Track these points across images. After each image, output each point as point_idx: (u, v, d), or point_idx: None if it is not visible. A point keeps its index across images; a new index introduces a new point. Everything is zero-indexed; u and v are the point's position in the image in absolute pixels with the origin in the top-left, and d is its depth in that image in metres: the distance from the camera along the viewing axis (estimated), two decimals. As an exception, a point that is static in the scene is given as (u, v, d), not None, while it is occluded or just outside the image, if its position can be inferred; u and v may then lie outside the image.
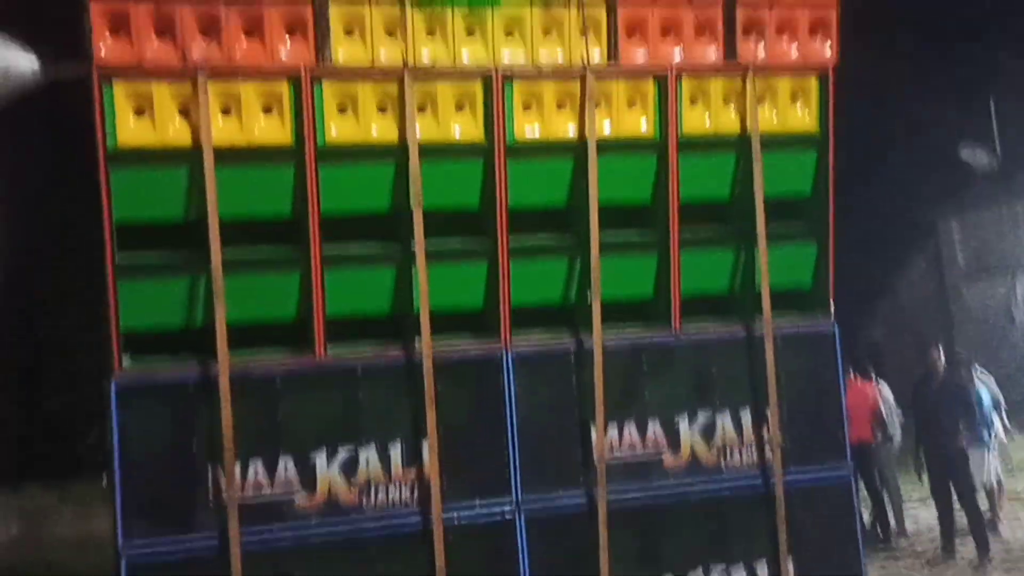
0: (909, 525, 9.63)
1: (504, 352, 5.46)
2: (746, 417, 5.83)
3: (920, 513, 10.03)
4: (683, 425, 5.72)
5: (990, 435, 8.90)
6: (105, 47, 4.83)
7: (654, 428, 5.67)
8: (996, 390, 9.40)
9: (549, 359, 5.56)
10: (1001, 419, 9.31)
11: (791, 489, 5.79)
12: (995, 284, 16.59)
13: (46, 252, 12.45)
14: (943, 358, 9.01)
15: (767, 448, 5.82)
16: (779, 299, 5.89)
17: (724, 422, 5.79)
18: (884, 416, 9.34)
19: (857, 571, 5.88)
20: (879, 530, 9.40)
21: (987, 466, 8.80)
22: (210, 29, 4.97)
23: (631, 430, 5.64)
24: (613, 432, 5.61)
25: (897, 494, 9.70)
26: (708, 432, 5.75)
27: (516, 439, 5.42)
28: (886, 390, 9.65)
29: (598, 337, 5.52)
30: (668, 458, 5.68)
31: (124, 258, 4.97)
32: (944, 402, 8.60)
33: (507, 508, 5.39)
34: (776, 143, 5.88)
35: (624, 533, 5.53)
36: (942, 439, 8.51)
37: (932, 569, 7.96)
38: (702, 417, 5.76)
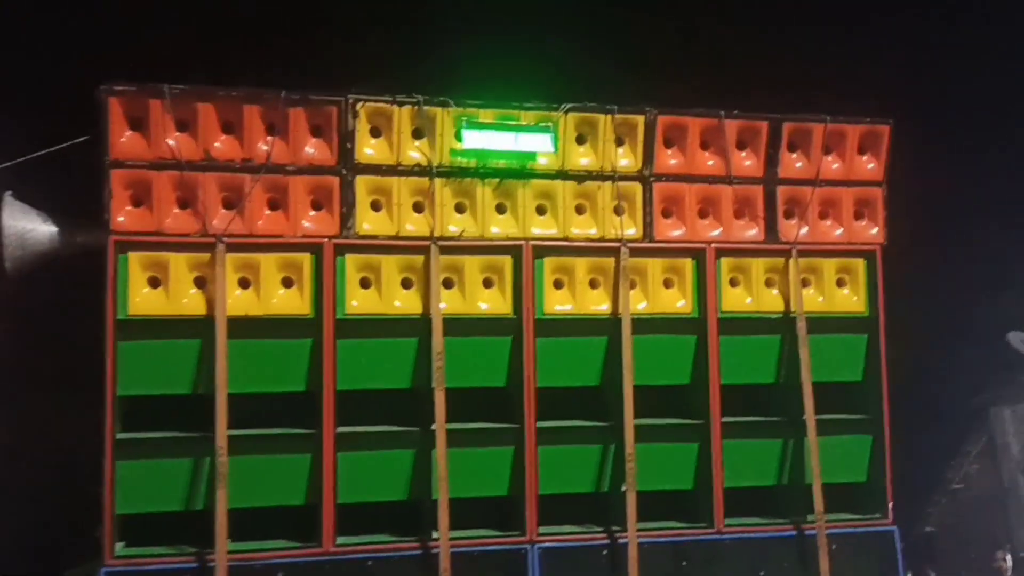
0: None
1: (530, 547, 4.99)
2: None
3: None
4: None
5: None
6: (124, 215, 4.70)
7: (698, 638, 5.10)
8: None
9: (579, 555, 5.06)
10: None
11: (832, 540, 5.23)
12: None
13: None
14: (1010, 562, 8.27)
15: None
16: (832, 495, 5.40)
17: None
18: None
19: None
20: None
21: None
22: (233, 199, 4.84)
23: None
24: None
25: None
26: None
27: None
28: (948, 594, 8.87)
29: (633, 533, 5.05)
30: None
31: (125, 437, 4.67)
32: (1015, 613, 7.82)
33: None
34: (824, 325, 5.55)
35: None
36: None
37: None
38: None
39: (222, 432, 4.61)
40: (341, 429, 4.86)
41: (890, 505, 5.53)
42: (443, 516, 4.83)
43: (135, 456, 4.65)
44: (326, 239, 4.90)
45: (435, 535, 4.84)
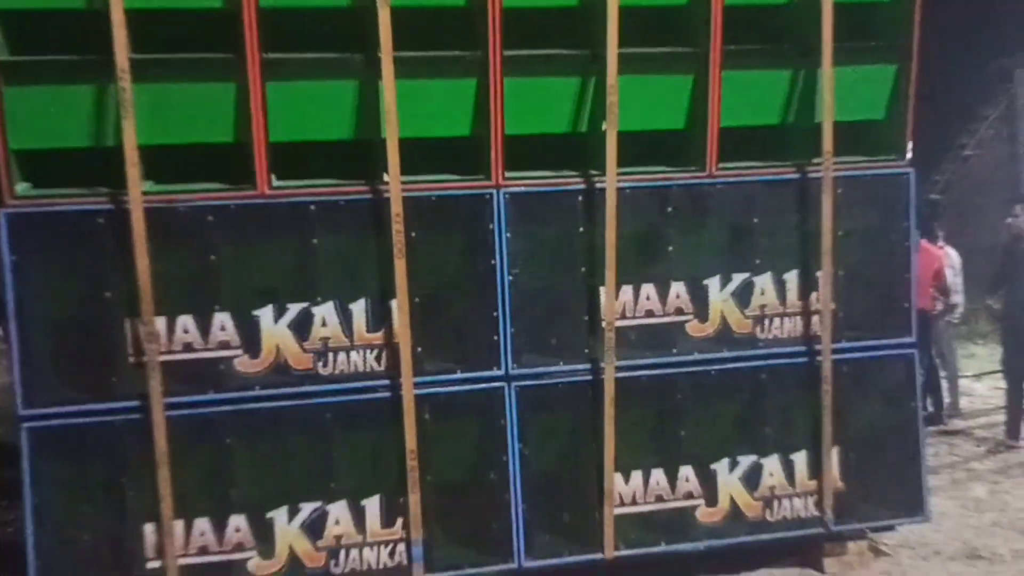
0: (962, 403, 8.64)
1: (496, 192, 4.41)
2: (792, 279, 4.77)
3: (975, 386, 9.08)
4: (713, 288, 4.68)
5: None
6: None
7: (677, 290, 4.64)
8: None
9: (551, 202, 4.50)
10: None
11: (842, 365, 4.78)
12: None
13: None
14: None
15: (815, 316, 4.78)
16: (843, 135, 4.73)
17: (764, 284, 4.74)
18: (949, 282, 8.21)
19: (916, 469, 4.91)
20: (929, 408, 8.42)
21: None
22: None
23: (649, 292, 4.62)
24: (626, 293, 4.59)
25: (953, 369, 8.67)
26: (744, 295, 4.71)
27: (507, 298, 4.44)
28: (953, 254, 8.49)
29: (612, 176, 4.45)
30: (693, 325, 4.67)
31: (13, 60, 3.95)
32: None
33: (495, 380, 4.45)
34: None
35: (635, 414, 4.60)
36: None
37: (994, 456, 6.98)
38: (738, 278, 4.71)
39: (122, 52, 3.88)
40: (269, 56, 4.12)
41: (909, 145, 4.88)
42: (392, 155, 4.21)
43: (27, 82, 3.96)
44: None
45: (386, 178, 4.26)
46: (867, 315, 4.84)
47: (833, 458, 4.80)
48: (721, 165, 4.66)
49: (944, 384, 8.56)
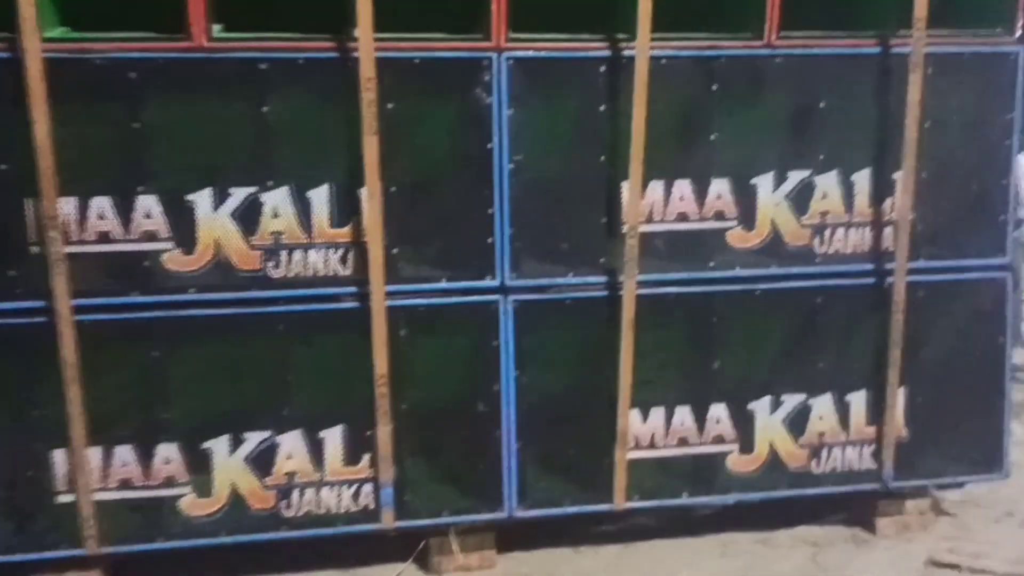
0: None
1: (496, 57, 3.50)
2: (862, 180, 3.85)
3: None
4: (764, 188, 3.77)
5: None
6: None
7: (719, 189, 3.74)
8: None
9: (566, 72, 3.58)
10: None
11: (917, 289, 3.89)
12: None
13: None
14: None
15: (888, 227, 3.87)
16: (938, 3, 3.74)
17: (828, 185, 3.82)
18: (1020, 192, 7.20)
19: (997, 417, 4.04)
20: None
21: None
22: None
23: (683, 190, 3.73)
24: (655, 191, 3.70)
25: (1020, 292, 7.75)
26: (802, 198, 3.80)
27: (506, 191, 3.57)
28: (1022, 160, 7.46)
29: (644, 41, 3.51)
30: (736, 234, 3.78)
31: None
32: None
33: (487, 291, 3.62)
34: None
35: (659, 339, 3.76)
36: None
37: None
38: (795, 177, 3.79)
39: None
40: None
41: (1020, 21, 3.88)
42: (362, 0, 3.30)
43: None
44: None
45: (355, 33, 3.36)
46: (953, 228, 3.92)
47: (899, 401, 3.95)
48: (783, 33, 3.70)
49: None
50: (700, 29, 3.71)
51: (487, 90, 3.51)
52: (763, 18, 3.67)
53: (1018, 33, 3.87)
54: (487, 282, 3.61)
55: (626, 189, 3.62)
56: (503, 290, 3.62)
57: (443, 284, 3.59)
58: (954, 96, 3.83)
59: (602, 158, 3.65)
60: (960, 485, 4.14)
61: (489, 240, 3.59)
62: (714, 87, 3.70)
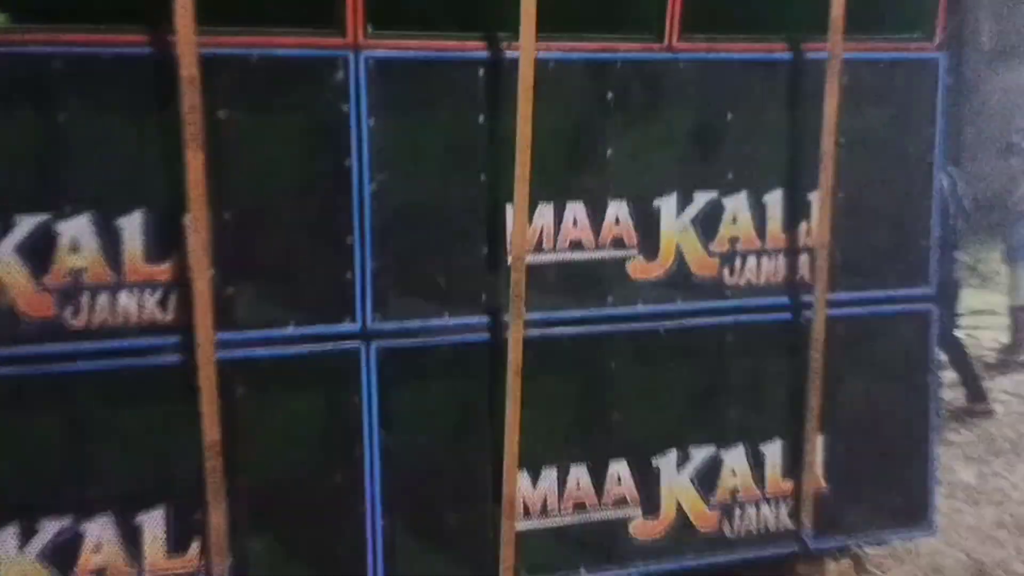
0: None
1: (353, 56, 2.91)
2: (775, 202, 3.41)
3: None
4: (667, 211, 3.29)
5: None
6: None
7: (617, 213, 3.24)
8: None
9: (438, 76, 3.02)
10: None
11: (837, 324, 3.46)
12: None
13: None
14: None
15: (805, 255, 3.44)
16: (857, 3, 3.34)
17: (737, 207, 3.36)
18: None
19: (923, 466, 3.65)
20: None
21: None
22: None
23: (577, 214, 3.20)
24: (544, 215, 3.17)
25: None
26: (709, 223, 3.33)
27: (368, 218, 2.97)
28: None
29: (529, 42, 2.97)
30: (637, 264, 3.28)
31: None
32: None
33: (346, 337, 3.01)
34: None
35: (550, 389, 3.22)
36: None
37: (965, 426, 5.79)
38: (701, 198, 3.32)
39: None
40: None
41: (940, 25, 3.51)
42: (180, -18, 2.66)
43: None
44: None
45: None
46: (874, 255, 3.52)
47: (818, 451, 3.51)
48: (686, 35, 3.23)
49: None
50: (594, 30, 3.21)
51: (342, 96, 2.91)
52: (663, 17, 3.19)
53: (938, 38, 3.50)
54: (345, 326, 3.00)
55: (511, 213, 3.07)
56: (365, 335, 3.02)
57: (290, 330, 2.96)
58: (873, 108, 3.45)
59: (482, 177, 3.10)
60: (885, 542, 3.74)
61: (347, 276, 2.98)
62: (609, 96, 3.20)
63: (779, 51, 3.34)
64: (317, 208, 2.96)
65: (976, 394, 6.05)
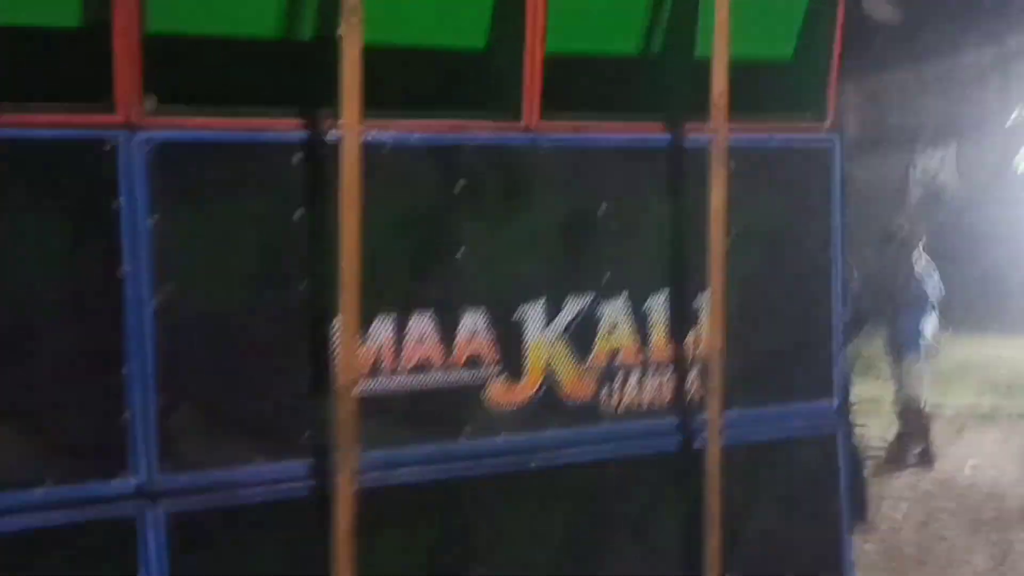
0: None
1: (127, 137, 2.28)
2: (659, 307, 2.90)
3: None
4: (533, 322, 2.73)
5: None
6: None
7: (473, 325, 2.66)
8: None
9: (239, 162, 2.43)
10: None
11: (735, 451, 2.93)
12: (891, 158, 14.34)
13: None
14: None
15: (695, 369, 2.93)
16: (737, 80, 2.90)
17: (616, 314, 2.83)
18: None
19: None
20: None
21: None
22: None
23: (423, 328, 2.61)
24: (382, 330, 2.56)
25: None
26: (584, 334, 2.79)
27: (148, 340, 2.31)
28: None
29: (353, 121, 2.40)
30: (499, 387, 2.69)
31: None
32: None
33: (121, 499, 2.30)
34: None
35: (391, 548, 2.57)
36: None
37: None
38: (573, 305, 2.78)
39: None
40: None
41: (831, 103, 3.12)
42: None
43: None
44: None
45: None
46: (773, 367, 3.03)
47: (717, 603, 2.95)
48: (548, 114, 2.73)
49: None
50: (441, 108, 2.67)
51: (112, 189, 2.28)
52: (519, 93, 2.69)
53: (830, 120, 3.11)
54: (119, 484, 2.30)
55: (338, 330, 2.46)
56: (148, 495, 2.32)
57: (42, 493, 2.24)
58: (764, 196, 3.00)
59: (301, 286, 2.48)
60: None
61: (122, 416, 2.30)
62: (460, 185, 2.65)
63: (657, 133, 2.87)
64: (80, 329, 2.28)
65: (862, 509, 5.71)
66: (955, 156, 14.34)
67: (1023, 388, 9.18)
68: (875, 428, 7.32)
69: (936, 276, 7.14)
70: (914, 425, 6.98)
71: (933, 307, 7.08)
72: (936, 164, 14.40)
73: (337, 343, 2.44)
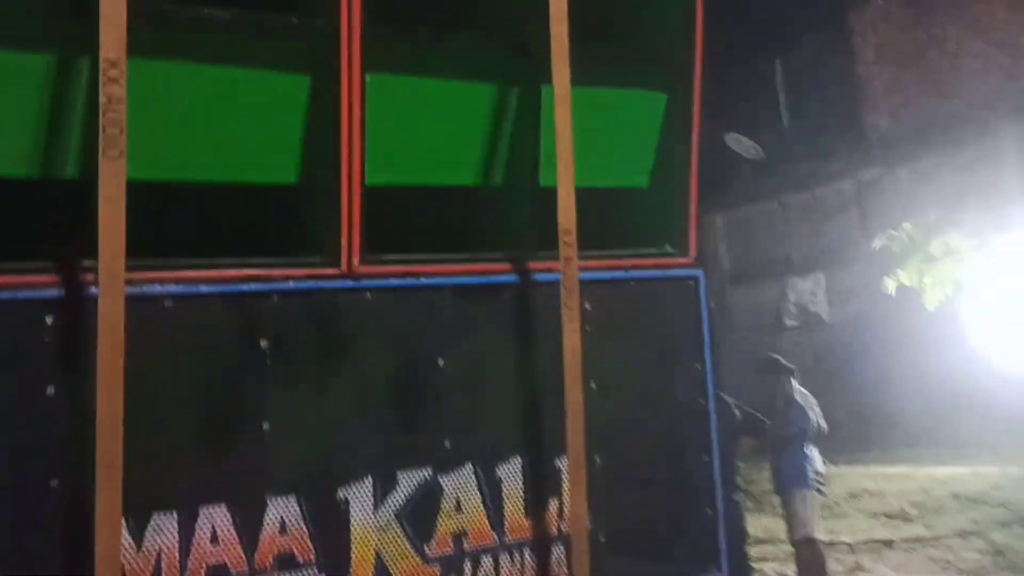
0: None
1: None
2: (513, 475, 2.46)
3: None
4: (359, 505, 2.26)
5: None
6: None
7: (282, 515, 2.16)
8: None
9: None
10: None
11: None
12: (764, 287, 14.56)
13: None
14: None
15: (559, 545, 2.47)
16: (588, 208, 2.58)
17: (462, 490, 2.38)
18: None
19: None
20: None
21: None
22: None
23: (217, 522, 2.10)
24: (163, 530, 2.04)
25: None
26: (423, 515, 2.32)
27: None
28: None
29: (113, 265, 1.94)
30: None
31: None
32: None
33: None
34: None
35: None
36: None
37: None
38: (407, 480, 2.32)
39: None
40: None
41: (692, 235, 2.83)
42: None
43: None
44: None
45: None
46: (647, 536, 2.61)
47: None
48: (371, 256, 2.33)
49: None
50: (237, 253, 2.25)
51: None
52: (337, 237, 2.29)
53: (692, 253, 2.81)
54: None
55: (102, 530, 1.92)
56: None
57: None
58: (626, 338, 2.64)
59: (53, 483, 1.96)
60: None
61: None
62: (263, 344, 2.20)
63: (503, 273, 2.50)
64: None
65: None
66: (824, 284, 14.66)
67: (914, 515, 9.04)
68: (773, 565, 6.94)
69: (816, 410, 6.95)
70: (810, 561, 6.65)
71: (813, 442, 6.87)
72: (808, 293, 14.68)
73: (100, 545, 1.91)
